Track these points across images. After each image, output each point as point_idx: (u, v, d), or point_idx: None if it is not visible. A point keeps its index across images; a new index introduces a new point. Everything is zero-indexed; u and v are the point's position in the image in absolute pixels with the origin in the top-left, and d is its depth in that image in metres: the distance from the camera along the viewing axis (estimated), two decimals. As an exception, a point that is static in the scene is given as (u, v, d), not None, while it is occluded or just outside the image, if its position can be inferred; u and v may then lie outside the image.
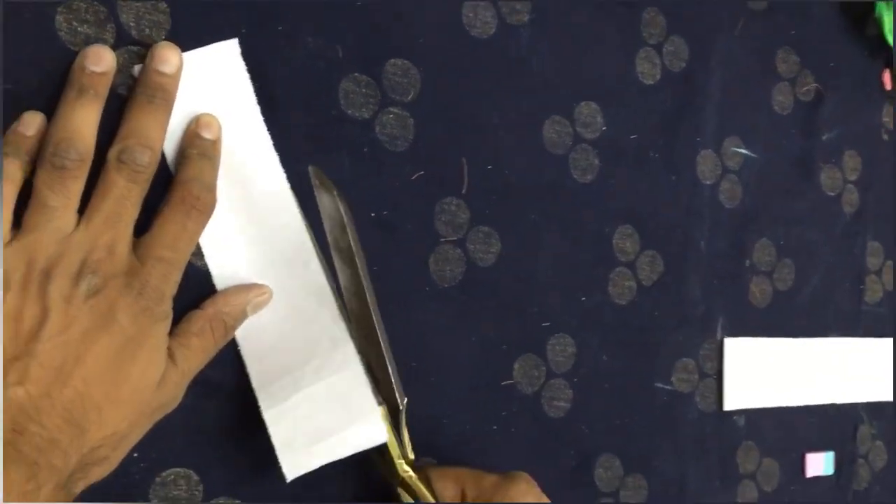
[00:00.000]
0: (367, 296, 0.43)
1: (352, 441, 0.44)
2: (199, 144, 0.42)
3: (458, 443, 0.52)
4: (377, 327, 0.44)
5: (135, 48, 0.42)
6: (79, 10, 0.40)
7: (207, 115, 0.42)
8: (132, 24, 0.42)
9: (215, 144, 0.42)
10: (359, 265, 0.42)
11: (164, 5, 0.42)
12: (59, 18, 0.40)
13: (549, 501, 0.46)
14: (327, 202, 0.43)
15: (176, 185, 0.41)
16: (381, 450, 0.45)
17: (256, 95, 0.44)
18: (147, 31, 0.42)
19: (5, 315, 0.35)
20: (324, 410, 0.44)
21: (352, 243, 0.42)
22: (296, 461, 0.43)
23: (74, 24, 0.40)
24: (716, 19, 0.62)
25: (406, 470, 0.46)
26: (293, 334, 0.45)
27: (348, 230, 0.42)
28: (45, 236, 0.37)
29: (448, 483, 0.47)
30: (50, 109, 0.39)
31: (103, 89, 0.40)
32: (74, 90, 0.39)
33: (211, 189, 0.41)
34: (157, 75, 0.41)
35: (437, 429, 0.51)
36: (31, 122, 0.38)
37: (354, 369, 0.45)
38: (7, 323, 0.35)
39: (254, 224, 0.44)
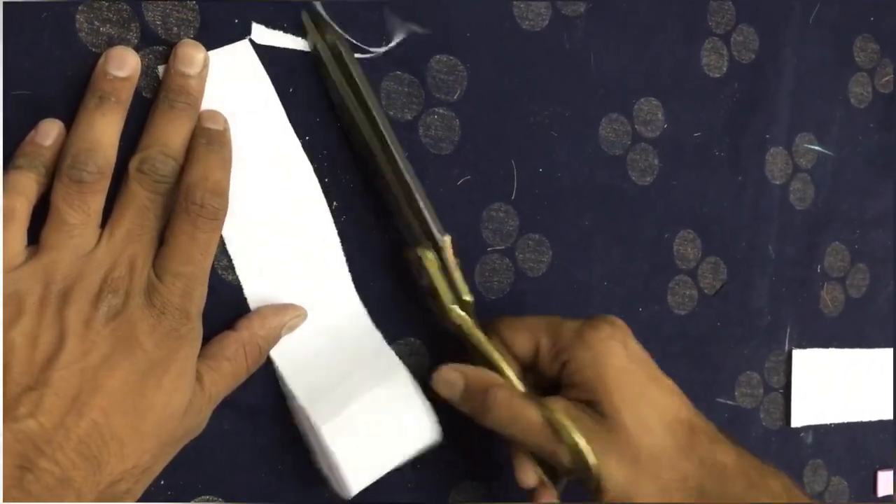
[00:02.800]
0: (386, 135, 0.41)
1: (408, 446, 0.43)
2: (206, 133, 0.38)
3: (505, 468, 0.49)
4: (403, 166, 0.41)
5: (161, 48, 0.39)
6: (100, 8, 0.37)
7: (211, 109, 0.39)
8: (158, 22, 0.39)
9: (223, 133, 0.39)
10: (371, 104, 0.41)
11: (192, 2, 0.39)
12: (80, 18, 0.37)
13: (636, 347, 0.42)
14: (327, 45, 0.41)
15: (179, 193, 0.37)
16: (434, 298, 0.42)
17: (291, 97, 0.42)
18: (175, 29, 0.39)
19: (20, 341, 0.33)
20: (379, 419, 0.42)
21: (358, 81, 0.41)
22: (360, 475, 0.41)
23: (96, 23, 0.37)
24: (789, 6, 0.57)
25: (460, 314, 0.42)
26: (332, 347, 0.43)
27: (353, 70, 0.41)
28: (63, 255, 0.35)
29: (521, 334, 0.43)
30: (70, 115, 0.37)
31: (126, 95, 0.37)
32: (95, 97, 0.36)
33: (218, 191, 0.37)
34: (180, 77, 0.38)
35: (482, 451, 0.48)
36: (49, 132, 0.36)
37: (402, 374, 0.43)
38: (22, 349, 0.33)
39: (285, 236, 0.42)
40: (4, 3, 0.35)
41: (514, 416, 0.41)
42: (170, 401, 0.36)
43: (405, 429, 0.43)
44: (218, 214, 0.37)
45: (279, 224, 0.42)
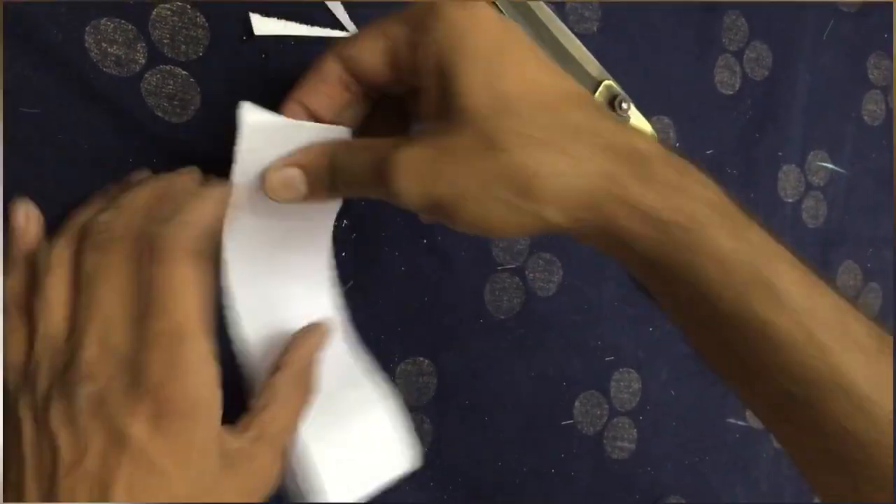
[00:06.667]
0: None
1: (388, 471, 0.42)
2: None
3: (513, 487, 0.48)
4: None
5: (168, 67, 0.38)
6: (106, 30, 0.37)
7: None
8: (166, 41, 0.38)
9: None
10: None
11: (201, 19, 0.39)
12: (89, 39, 0.37)
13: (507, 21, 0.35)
14: None
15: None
16: None
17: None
18: (183, 47, 0.39)
19: (29, 453, 0.31)
20: (364, 445, 0.42)
21: None
22: (341, 498, 0.41)
23: (104, 45, 0.37)
24: (802, 23, 0.56)
25: None
26: (322, 371, 0.42)
27: None
28: (42, 352, 0.32)
29: (366, 45, 0.33)
30: (79, 135, 0.37)
31: None
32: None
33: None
34: None
35: (491, 471, 0.48)
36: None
37: (387, 401, 0.42)
38: (31, 462, 0.31)
39: (278, 253, 0.41)
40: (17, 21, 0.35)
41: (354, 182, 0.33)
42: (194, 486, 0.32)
43: (386, 457, 0.42)
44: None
45: (272, 244, 0.41)
